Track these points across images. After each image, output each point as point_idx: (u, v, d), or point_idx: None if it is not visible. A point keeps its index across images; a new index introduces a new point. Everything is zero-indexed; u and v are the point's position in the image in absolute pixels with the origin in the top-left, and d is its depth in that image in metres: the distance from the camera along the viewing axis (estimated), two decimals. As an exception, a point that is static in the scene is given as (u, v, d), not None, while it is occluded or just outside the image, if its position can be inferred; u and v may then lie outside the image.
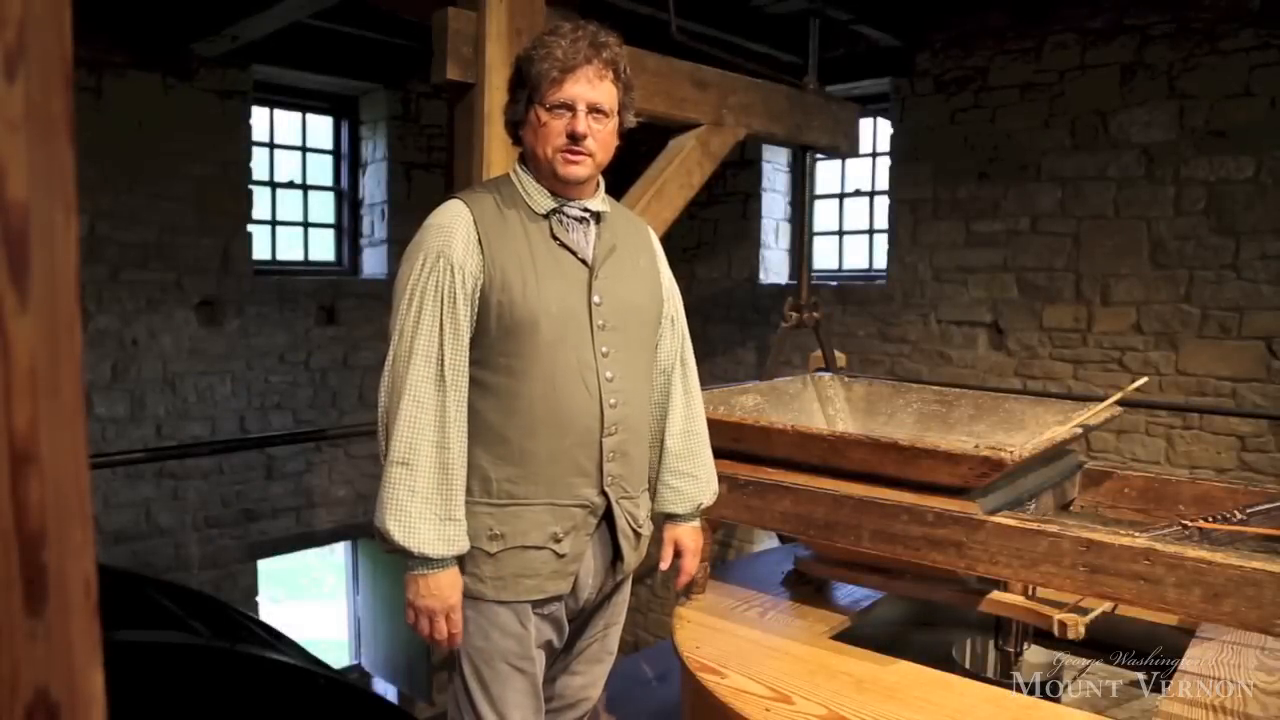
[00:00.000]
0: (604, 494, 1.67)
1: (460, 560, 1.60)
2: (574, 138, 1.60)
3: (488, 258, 1.59)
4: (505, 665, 1.63)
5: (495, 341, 1.59)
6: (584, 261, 1.67)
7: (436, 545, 1.53)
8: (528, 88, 1.63)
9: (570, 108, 1.60)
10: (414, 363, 1.55)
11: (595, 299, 1.65)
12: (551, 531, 1.62)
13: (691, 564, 1.92)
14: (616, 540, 1.72)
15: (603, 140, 1.65)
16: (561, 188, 1.66)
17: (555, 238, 1.65)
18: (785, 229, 6.17)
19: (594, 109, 1.61)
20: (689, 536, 1.91)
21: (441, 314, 1.56)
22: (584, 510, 1.65)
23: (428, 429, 1.53)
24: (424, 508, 1.52)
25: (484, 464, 1.60)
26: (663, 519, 1.91)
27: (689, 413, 1.89)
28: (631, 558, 1.76)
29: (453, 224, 1.61)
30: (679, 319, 1.89)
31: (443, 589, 1.56)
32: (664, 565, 1.90)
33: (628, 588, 1.86)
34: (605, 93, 1.63)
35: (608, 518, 1.70)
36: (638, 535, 1.77)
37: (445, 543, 1.53)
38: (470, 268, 1.58)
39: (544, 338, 1.59)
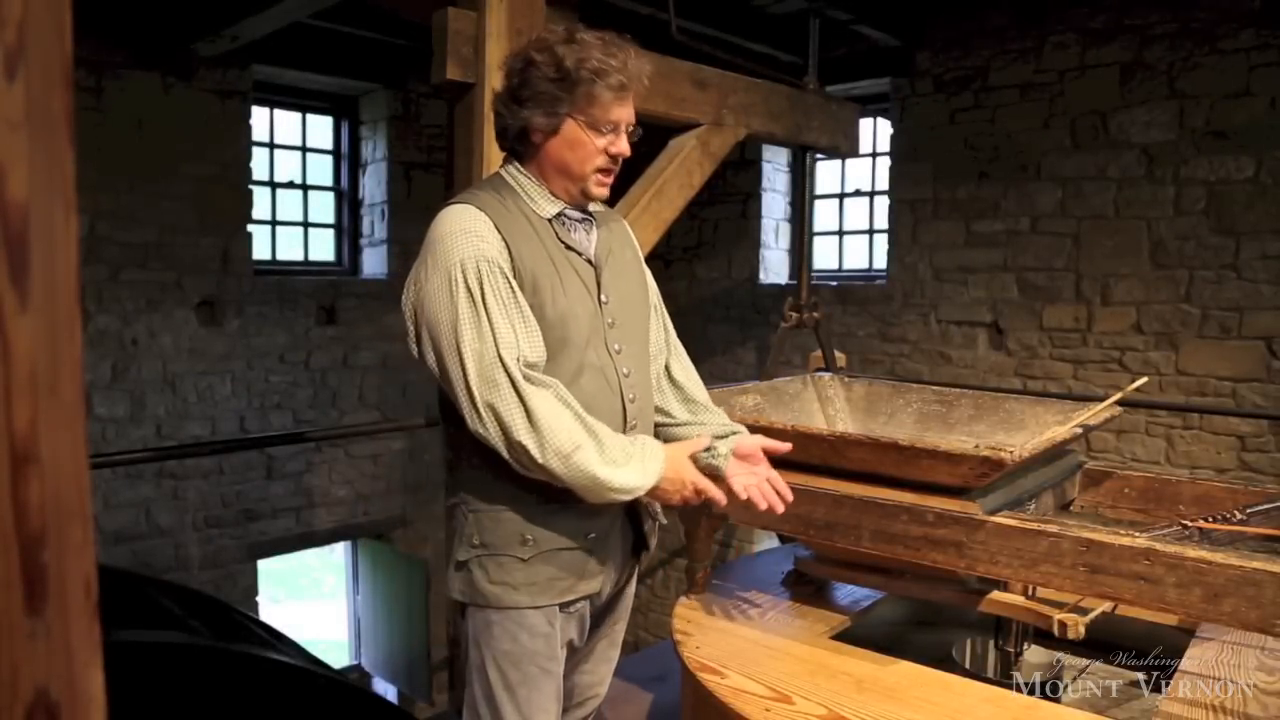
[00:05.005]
0: None
1: (488, 569, 1.59)
2: (615, 159, 1.59)
3: (516, 261, 1.55)
4: (534, 668, 1.61)
5: None
6: (590, 262, 1.67)
7: (657, 465, 1.56)
8: (571, 97, 1.55)
9: (617, 129, 1.59)
10: (514, 378, 1.47)
11: (603, 298, 1.66)
12: (583, 531, 1.62)
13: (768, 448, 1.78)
14: (640, 531, 1.73)
15: None
16: (578, 199, 1.65)
17: (561, 240, 1.65)
18: (785, 229, 6.17)
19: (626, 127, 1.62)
20: (745, 437, 1.79)
21: (509, 315, 1.50)
22: (610, 507, 1.65)
23: (564, 415, 1.49)
24: (623, 453, 1.52)
25: (515, 469, 1.59)
26: (705, 462, 1.74)
27: (695, 378, 1.89)
28: (652, 545, 1.78)
29: (477, 228, 1.54)
30: (660, 305, 1.89)
31: (680, 473, 1.58)
32: (745, 475, 1.72)
33: (634, 584, 1.87)
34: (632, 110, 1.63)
35: (629, 511, 1.71)
36: (655, 523, 1.79)
37: (653, 472, 1.55)
38: (509, 266, 1.54)
39: (571, 339, 1.58)
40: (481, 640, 1.63)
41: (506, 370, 1.47)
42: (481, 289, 1.49)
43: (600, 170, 1.60)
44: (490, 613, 1.60)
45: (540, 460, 1.47)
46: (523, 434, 1.46)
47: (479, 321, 1.48)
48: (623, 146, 1.59)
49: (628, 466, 1.52)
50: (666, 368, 1.87)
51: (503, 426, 1.47)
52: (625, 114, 1.59)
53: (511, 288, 1.52)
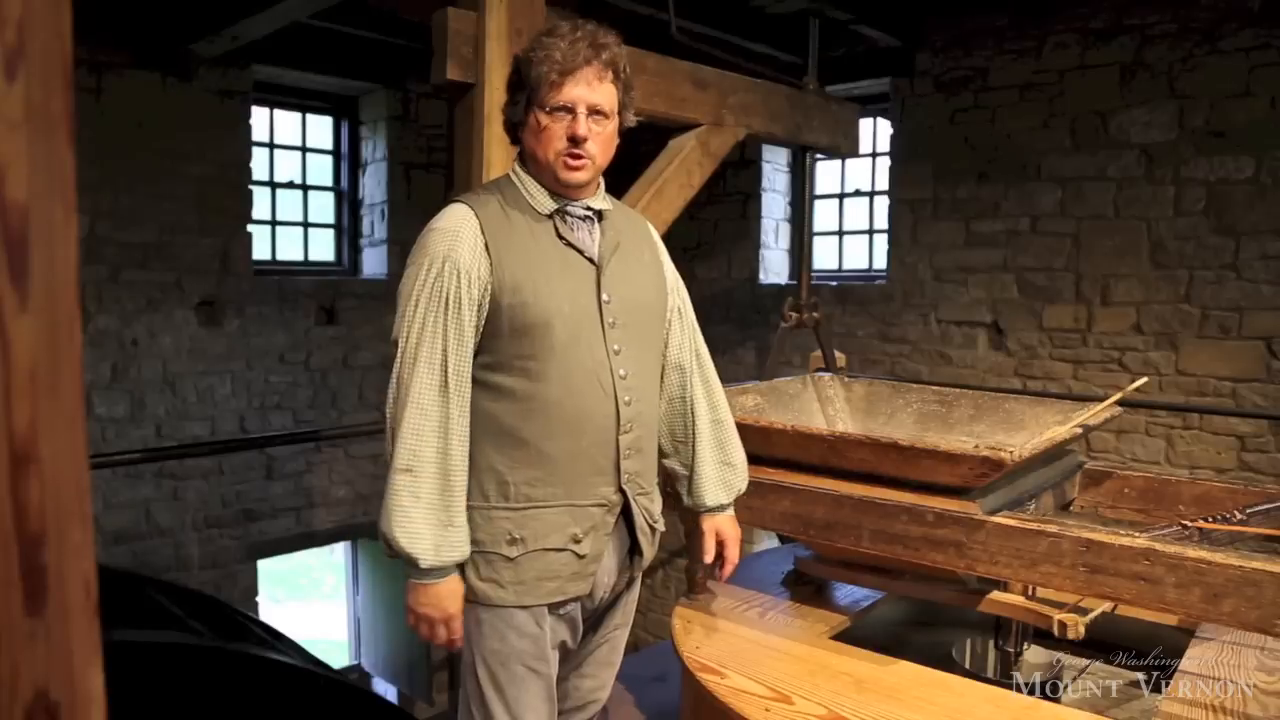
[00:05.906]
0: (621, 491, 1.67)
1: (478, 566, 1.60)
2: (574, 141, 1.59)
3: (495, 261, 1.58)
4: (521, 667, 1.62)
5: (509, 344, 1.58)
6: (591, 260, 1.67)
7: (440, 552, 1.53)
8: (526, 90, 1.62)
9: (570, 110, 1.59)
10: (418, 370, 1.54)
11: (604, 297, 1.65)
12: (571, 533, 1.61)
13: (735, 552, 1.93)
14: (634, 537, 1.72)
15: (603, 142, 1.64)
16: (563, 189, 1.66)
17: (561, 237, 1.65)
18: (785, 229, 6.16)
19: (594, 111, 1.60)
20: (730, 525, 1.92)
21: (446, 319, 1.55)
22: (602, 509, 1.65)
23: (431, 436, 1.53)
24: (427, 514, 1.52)
25: (500, 468, 1.59)
26: (701, 511, 1.90)
27: (713, 402, 1.89)
28: (649, 553, 1.77)
29: (458, 228, 1.59)
30: (687, 311, 1.88)
31: (442, 599, 1.56)
32: (708, 558, 1.91)
33: (637, 588, 1.86)
34: (605, 94, 1.62)
35: (625, 515, 1.70)
36: (654, 531, 1.77)
37: (449, 548, 1.54)
38: (477, 272, 1.57)
39: (558, 338, 1.58)
40: (473, 637, 1.64)
41: (434, 369, 1.54)
42: (435, 287, 1.56)
43: (564, 155, 1.60)
44: (480, 610, 1.61)
45: (388, 460, 1.55)
46: (394, 424, 1.55)
47: (416, 315, 1.56)
48: (579, 128, 1.58)
49: (425, 527, 1.52)
50: (690, 394, 1.86)
51: (392, 408, 1.57)
52: (578, 95, 1.59)
53: (469, 293, 1.56)
